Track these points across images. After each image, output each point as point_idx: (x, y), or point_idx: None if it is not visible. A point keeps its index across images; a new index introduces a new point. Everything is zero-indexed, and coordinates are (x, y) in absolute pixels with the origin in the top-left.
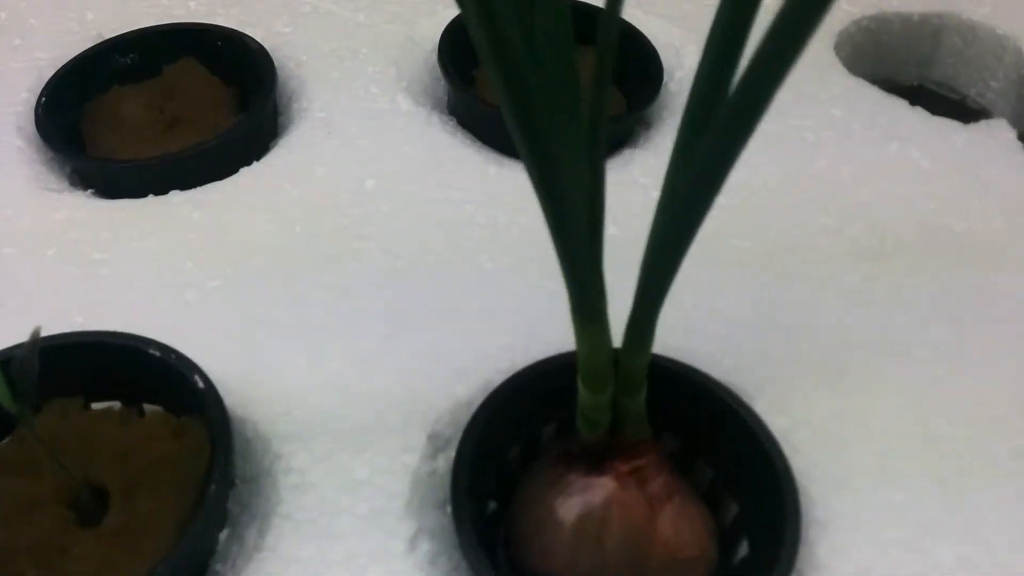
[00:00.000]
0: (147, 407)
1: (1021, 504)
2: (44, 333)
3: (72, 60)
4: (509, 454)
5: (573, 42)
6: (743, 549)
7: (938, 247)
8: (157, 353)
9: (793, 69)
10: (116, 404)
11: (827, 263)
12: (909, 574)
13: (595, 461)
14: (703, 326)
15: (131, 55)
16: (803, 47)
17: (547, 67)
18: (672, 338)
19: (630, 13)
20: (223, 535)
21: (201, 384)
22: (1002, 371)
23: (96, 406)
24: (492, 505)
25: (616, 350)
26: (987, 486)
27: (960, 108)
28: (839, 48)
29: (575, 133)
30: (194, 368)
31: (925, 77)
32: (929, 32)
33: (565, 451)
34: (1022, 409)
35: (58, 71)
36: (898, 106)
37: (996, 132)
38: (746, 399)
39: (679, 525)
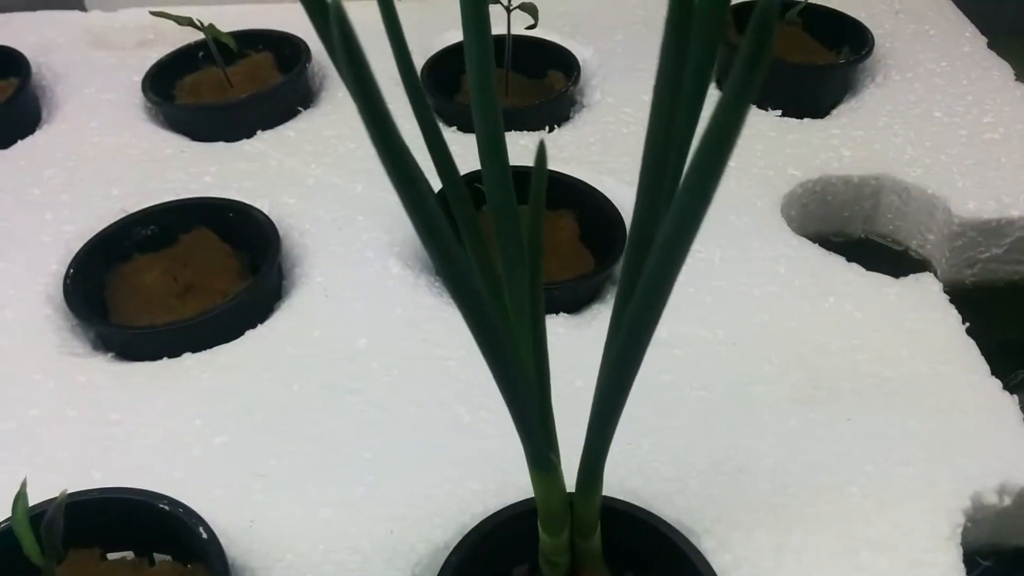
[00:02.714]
0: (157, 556)
1: None
2: (64, 486)
3: (98, 234)
4: None
5: (515, 209)
6: None
7: (869, 393)
8: (167, 507)
9: (742, 231)
10: (129, 554)
11: (769, 409)
12: None
13: None
14: (658, 469)
15: (151, 227)
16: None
17: (506, 268)
18: (630, 481)
19: (598, 180)
20: None
21: (205, 535)
22: (920, 507)
23: (111, 556)
24: None
25: (573, 494)
26: None
27: (902, 258)
28: (787, 208)
29: (521, 311)
30: (199, 520)
31: (870, 230)
32: (869, 192)
33: None
34: (937, 544)
35: (85, 244)
36: (836, 263)
37: (924, 285)
38: (694, 537)
39: None
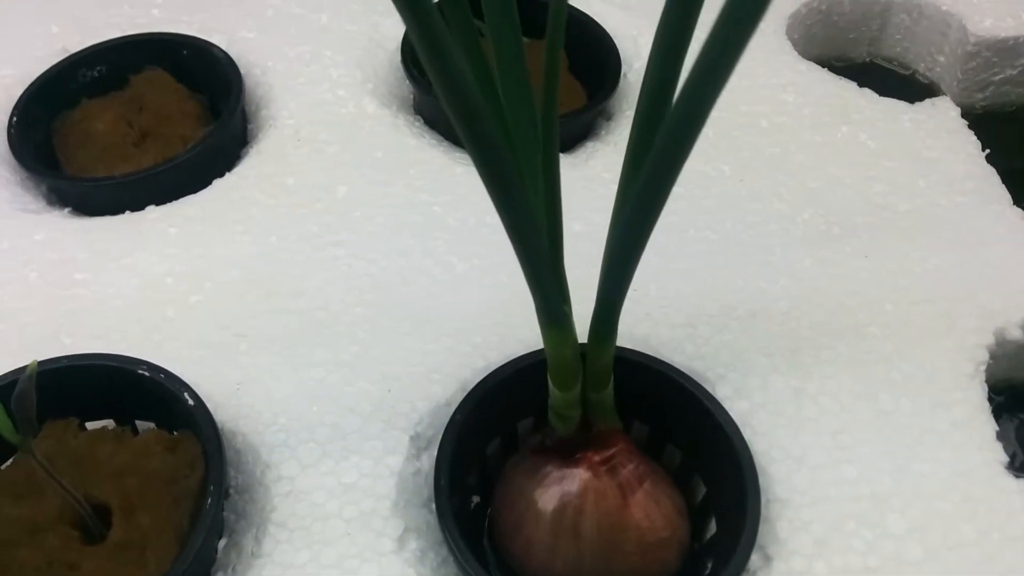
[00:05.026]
0: (140, 424)
1: (963, 473)
2: (34, 355)
3: (40, 77)
4: (489, 449)
5: (525, 74)
6: (712, 527)
7: (884, 228)
8: (147, 373)
9: (746, 56)
10: (110, 423)
11: (782, 249)
12: (863, 544)
13: (569, 453)
14: (667, 315)
15: (98, 68)
16: (738, 58)
17: (509, 101)
18: (638, 328)
19: (586, 3)
20: (221, 544)
21: (191, 401)
22: (942, 346)
23: (91, 426)
24: (475, 499)
25: (583, 345)
26: (935, 458)
27: (909, 83)
28: (791, 30)
29: (531, 153)
30: (183, 386)
31: (875, 53)
32: (878, 10)
33: (541, 445)
34: (960, 382)
35: (27, 89)
36: (847, 89)
37: (941, 111)
38: (708, 385)
39: (649, 509)
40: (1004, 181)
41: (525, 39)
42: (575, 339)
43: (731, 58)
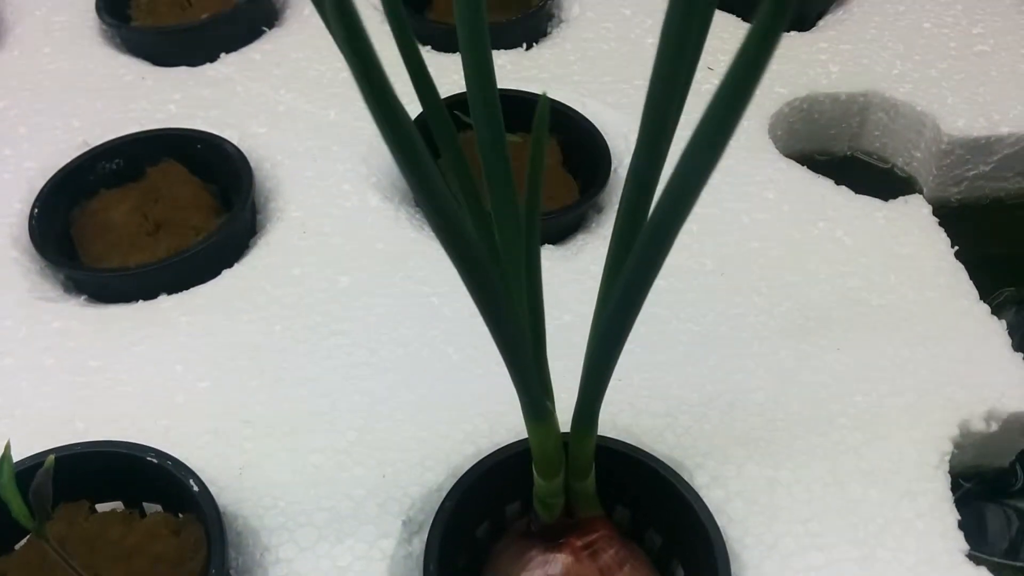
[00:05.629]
0: (147, 505)
1: (926, 561)
2: (49, 439)
3: (61, 169)
4: (477, 531)
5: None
6: None
7: (858, 322)
8: (155, 460)
9: (730, 154)
10: (119, 505)
11: (760, 342)
12: None
13: (552, 538)
14: (648, 405)
15: (116, 160)
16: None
17: (494, 201)
18: (621, 417)
19: (580, 102)
20: None
21: (196, 487)
22: (909, 437)
23: (100, 507)
24: None
25: (567, 434)
26: (899, 546)
27: (889, 176)
28: (774, 128)
29: (514, 255)
30: (189, 473)
31: (856, 148)
32: (856, 109)
33: (526, 530)
34: (925, 472)
35: (49, 181)
36: (825, 187)
37: (913, 208)
38: (686, 473)
39: None
40: (980, 267)
41: (519, 135)
42: (558, 432)
43: (700, 181)
